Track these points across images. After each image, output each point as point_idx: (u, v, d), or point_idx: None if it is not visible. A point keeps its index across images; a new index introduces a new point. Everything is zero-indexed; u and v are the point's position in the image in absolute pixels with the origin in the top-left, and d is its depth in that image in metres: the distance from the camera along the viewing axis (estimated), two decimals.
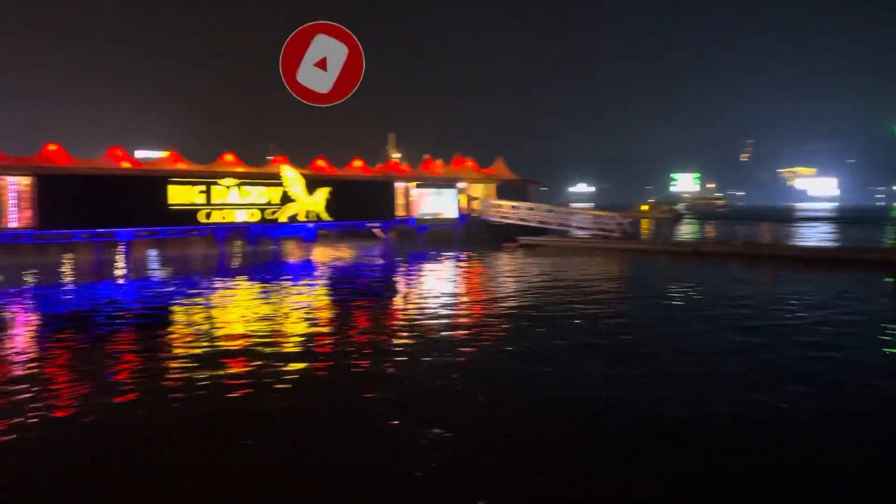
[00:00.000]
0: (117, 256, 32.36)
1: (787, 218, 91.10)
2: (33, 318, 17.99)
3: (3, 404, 9.67)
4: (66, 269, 29.55)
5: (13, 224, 28.12)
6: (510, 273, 26.69)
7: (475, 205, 45.63)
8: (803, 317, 15.84)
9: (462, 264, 31.03)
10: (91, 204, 29.47)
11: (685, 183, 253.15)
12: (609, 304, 18.27)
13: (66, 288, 23.56)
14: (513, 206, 44.10)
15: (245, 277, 25.95)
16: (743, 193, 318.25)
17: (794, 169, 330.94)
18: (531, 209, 43.69)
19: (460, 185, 44.88)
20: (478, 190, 47.07)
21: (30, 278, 26.35)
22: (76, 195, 29.09)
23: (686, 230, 61.66)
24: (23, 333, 16.02)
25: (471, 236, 43.46)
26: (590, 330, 14.48)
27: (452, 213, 43.61)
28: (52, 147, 30.35)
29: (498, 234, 42.93)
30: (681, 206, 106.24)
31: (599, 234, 40.26)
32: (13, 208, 28.23)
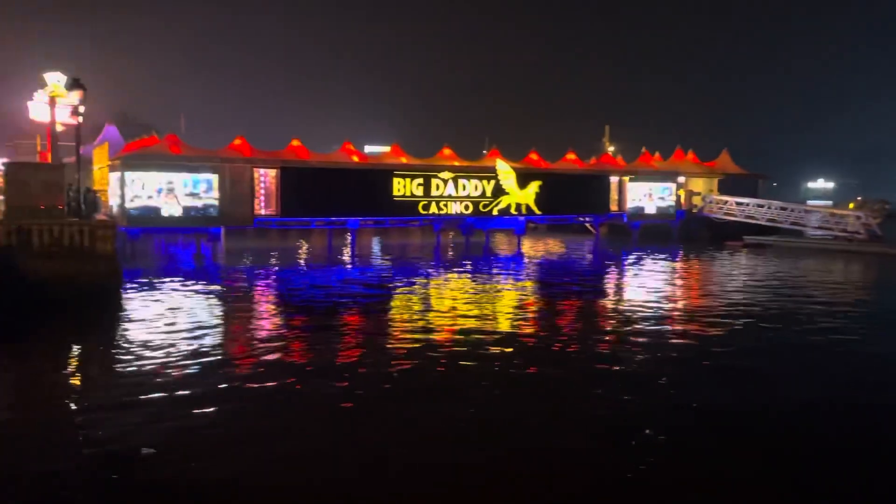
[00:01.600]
0: (347, 243, 35.17)
1: None
2: (276, 295, 20.16)
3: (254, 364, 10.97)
4: (304, 253, 32.81)
5: (262, 211, 31.72)
6: (734, 277, 24.75)
7: (696, 200, 42.99)
8: None
9: (680, 264, 29.41)
10: (325, 194, 32.28)
11: None
12: (849, 326, 15.90)
13: (304, 269, 26.18)
14: (738, 203, 40.86)
15: (460, 267, 26.86)
16: None
17: None
18: (760, 206, 40.16)
19: (679, 179, 42.54)
20: (698, 184, 44.29)
21: (274, 260, 29.64)
22: (312, 186, 32.04)
23: None
24: (268, 310, 18.04)
25: (689, 234, 41.03)
26: (829, 372, 11.78)
27: (669, 209, 41.49)
28: (295, 142, 33.69)
29: (720, 233, 40.04)
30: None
31: (840, 235, 35.92)
32: (263, 197, 31.82)
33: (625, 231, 41.09)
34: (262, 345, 12.93)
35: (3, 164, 20.92)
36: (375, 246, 36.72)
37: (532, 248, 36.42)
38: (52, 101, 38.51)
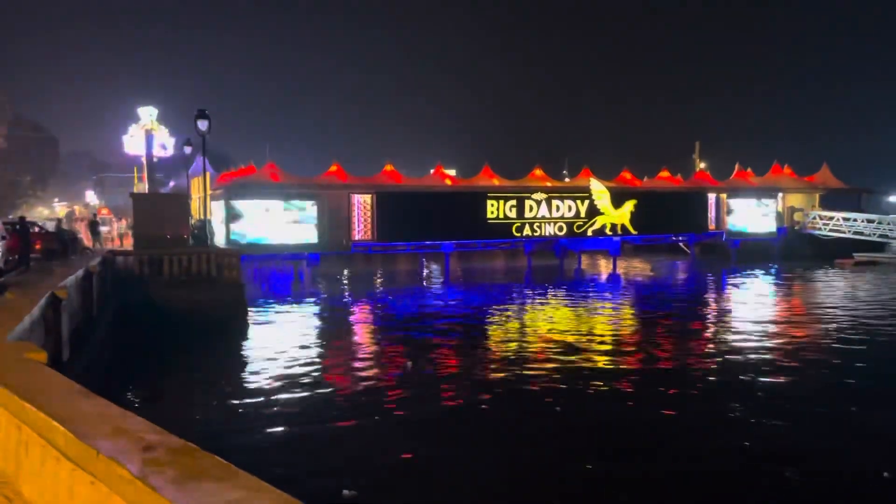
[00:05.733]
0: (437, 267, 34.67)
1: None
2: (372, 322, 19.69)
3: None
4: (399, 277, 32.45)
5: (358, 236, 31.50)
6: (851, 298, 23.11)
7: (796, 216, 40.92)
8: None
9: (785, 285, 27.85)
10: (420, 218, 31.78)
11: None
12: None
13: (409, 295, 25.76)
14: (844, 218, 38.65)
15: (557, 291, 25.98)
16: None
17: None
18: (870, 221, 37.87)
19: (778, 195, 40.61)
20: (798, 200, 42.18)
21: (376, 285, 29.36)
22: (407, 211, 31.61)
23: None
24: (363, 333, 17.54)
25: (792, 252, 38.91)
26: None
27: (769, 226, 39.59)
28: (388, 167, 33.48)
29: (824, 250, 37.86)
30: None
31: None
32: (358, 223, 31.62)
33: (721, 250, 39.32)
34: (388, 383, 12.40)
35: (130, 194, 21.27)
36: (466, 269, 36.10)
37: (627, 269, 35.24)
38: (149, 134, 39.41)
